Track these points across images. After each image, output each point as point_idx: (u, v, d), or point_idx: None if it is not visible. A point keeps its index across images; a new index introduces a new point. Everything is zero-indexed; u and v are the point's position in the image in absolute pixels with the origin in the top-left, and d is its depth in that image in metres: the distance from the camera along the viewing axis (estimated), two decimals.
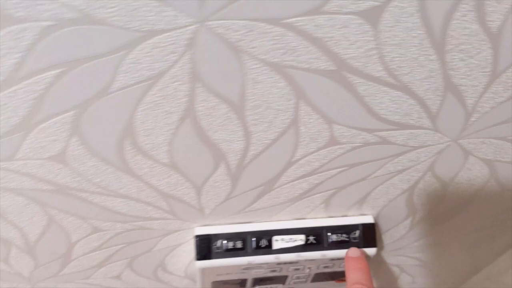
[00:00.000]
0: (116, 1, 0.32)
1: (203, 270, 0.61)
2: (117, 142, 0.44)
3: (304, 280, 0.69)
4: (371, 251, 0.62)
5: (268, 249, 0.60)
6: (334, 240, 0.61)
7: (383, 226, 0.65)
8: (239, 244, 0.60)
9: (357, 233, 0.61)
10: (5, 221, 0.53)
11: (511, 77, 0.41)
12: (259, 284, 0.68)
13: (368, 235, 0.62)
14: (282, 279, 0.68)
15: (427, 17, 0.35)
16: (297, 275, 0.67)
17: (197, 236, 0.59)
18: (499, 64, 0.40)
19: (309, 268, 0.65)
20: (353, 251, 0.60)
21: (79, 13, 0.32)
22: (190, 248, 0.65)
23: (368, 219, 0.62)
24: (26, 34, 0.33)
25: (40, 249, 0.60)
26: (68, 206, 0.53)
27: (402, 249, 0.73)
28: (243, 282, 0.67)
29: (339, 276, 0.69)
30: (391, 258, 0.76)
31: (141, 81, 0.38)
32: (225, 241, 0.60)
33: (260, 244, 0.60)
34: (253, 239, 0.60)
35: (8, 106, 0.39)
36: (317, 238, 0.61)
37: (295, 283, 0.69)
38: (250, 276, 0.65)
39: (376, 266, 0.79)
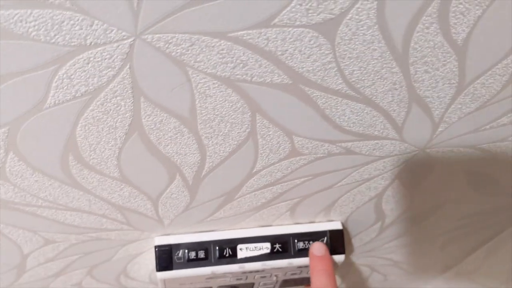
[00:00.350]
0: (36, 14, 0.28)
1: (165, 280, 0.59)
2: (60, 157, 0.41)
3: (271, 286, 0.67)
4: (339, 258, 0.60)
5: (232, 258, 0.58)
6: (301, 247, 0.59)
7: (352, 230, 0.63)
8: (201, 254, 0.57)
9: (325, 239, 0.59)
10: None
11: (478, 88, 0.39)
12: None
13: (336, 241, 0.59)
14: (248, 286, 0.66)
15: (387, 30, 0.32)
16: (264, 282, 0.65)
17: (157, 247, 0.56)
18: (466, 76, 0.37)
19: (276, 275, 0.62)
20: (318, 248, 0.57)
21: None
22: (152, 256, 0.62)
23: (336, 225, 0.59)
24: None
25: None
26: (14, 220, 0.49)
27: (372, 251, 0.72)
28: None
29: (308, 282, 0.67)
30: (362, 259, 0.75)
31: (78, 96, 0.35)
32: (186, 251, 0.57)
33: (224, 253, 0.58)
34: (216, 248, 0.57)
35: None
36: (283, 245, 0.59)
37: None
38: (215, 284, 0.63)
39: (347, 266, 0.77)
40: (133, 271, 0.66)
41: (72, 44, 0.31)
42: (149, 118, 0.38)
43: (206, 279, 0.60)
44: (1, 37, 0.30)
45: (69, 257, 0.59)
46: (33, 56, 0.31)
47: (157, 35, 0.31)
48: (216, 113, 0.38)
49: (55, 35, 0.30)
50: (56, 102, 0.35)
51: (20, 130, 0.38)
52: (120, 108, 0.36)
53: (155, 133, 0.40)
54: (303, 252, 0.59)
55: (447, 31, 0.33)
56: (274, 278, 0.63)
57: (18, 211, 0.48)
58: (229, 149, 0.43)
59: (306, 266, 0.60)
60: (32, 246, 0.55)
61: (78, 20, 0.29)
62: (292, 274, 0.63)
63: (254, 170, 0.47)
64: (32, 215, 0.49)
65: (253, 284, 0.65)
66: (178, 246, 0.57)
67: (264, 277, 0.62)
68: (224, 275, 0.59)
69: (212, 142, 0.42)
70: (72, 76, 0.33)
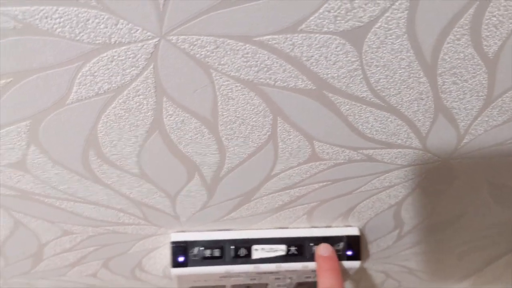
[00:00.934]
0: (61, 11, 0.28)
1: (179, 277, 0.59)
2: (80, 152, 0.41)
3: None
4: (355, 263, 0.59)
5: (247, 258, 0.58)
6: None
7: (369, 236, 0.63)
8: (216, 253, 0.57)
9: (341, 245, 0.58)
10: None
11: (507, 102, 0.38)
12: None
13: (352, 247, 0.59)
14: (262, 287, 0.65)
15: (416, 40, 0.32)
16: (278, 283, 0.64)
17: (173, 243, 0.56)
18: (495, 89, 0.36)
19: (290, 278, 0.62)
20: (324, 249, 0.57)
21: (21, 23, 0.29)
22: (167, 251, 0.62)
23: (353, 231, 0.59)
24: None
25: (9, 249, 0.57)
26: (34, 210, 0.50)
27: (389, 257, 0.71)
28: None
29: None
30: (377, 265, 0.74)
31: (100, 93, 0.35)
32: (202, 249, 0.57)
33: (239, 253, 0.57)
34: (231, 247, 0.57)
35: None
36: (299, 248, 0.58)
37: None
38: (228, 283, 0.62)
39: (361, 272, 0.76)
40: (148, 265, 0.67)
41: (97, 42, 0.30)
42: (170, 117, 0.38)
43: (220, 278, 0.60)
44: (26, 32, 0.30)
45: (86, 249, 0.60)
46: (57, 53, 0.31)
47: (182, 37, 0.30)
48: (238, 115, 0.38)
49: (80, 33, 0.30)
50: (79, 98, 0.35)
51: (42, 124, 0.38)
52: (142, 107, 0.36)
53: (176, 132, 0.40)
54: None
55: (478, 43, 0.32)
56: (288, 280, 0.63)
57: (37, 202, 0.48)
58: (248, 151, 0.43)
59: None
60: (50, 236, 0.56)
61: (103, 18, 0.29)
62: (307, 277, 0.62)
63: (273, 173, 0.47)
64: (51, 207, 0.49)
65: (267, 285, 0.65)
66: (193, 244, 0.57)
67: (279, 278, 0.62)
68: (238, 274, 0.59)
69: (232, 143, 0.42)
70: (96, 74, 0.33)
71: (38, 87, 0.34)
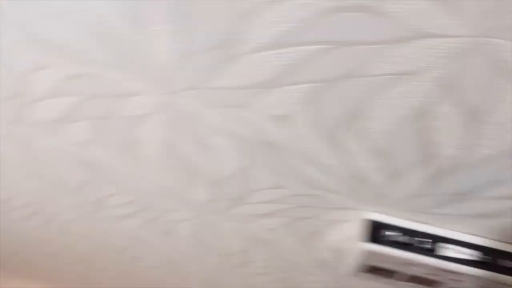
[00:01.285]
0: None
1: (369, 253, 0.62)
2: (340, 120, 0.46)
3: None
4: None
5: (434, 253, 0.60)
6: (509, 266, 0.59)
7: None
8: (407, 240, 0.60)
9: None
10: (208, 155, 0.57)
11: None
12: (411, 281, 0.68)
13: None
14: (435, 284, 0.67)
15: None
16: (453, 285, 0.66)
17: (370, 221, 0.60)
18: None
19: (468, 283, 0.63)
20: None
21: (362, 1, 0.33)
22: (353, 228, 0.66)
23: None
24: (304, 8, 0.35)
25: (221, 186, 0.64)
26: (270, 160, 0.55)
27: None
28: (395, 273, 0.67)
29: None
30: None
31: (394, 73, 0.39)
32: (395, 233, 0.60)
33: (428, 246, 0.60)
34: (423, 239, 0.59)
35: (259, 64, 0.42)
36: (489, 258, 0.59)
37: None
38: (407, 271, 0.65)
39: None
40: (326, 235, 0.70)
41: (415, 29, 0.34)
42: (441, 107, 0.41)
43: (402, 264, 0.62)
44: (362, 10, 0.34)
45: (284, 204, 0.65)
46: (377, 32, 0.36)
47: (494, 40, 0.33)
48: (509, 117, 0.40)
49: (407, 19, 0.34)
50: (374, 74, 0.39)
51: (327, 89, 0.43)
52: (421, 93, 0.40)
53: (436, 121, 0.43)
54: (508, 271, 0.59)
55: None
56: (465, 285, 0.64)
57: (275, 153, 0.54)
58: (490, 152, 0.45)
59: (505, 284, 0.60)
60: (265, 185, 0.61)
61: (431, 11, 0.32)
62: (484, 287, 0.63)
63: (504, 179, 0.48)
64: (282, 161, 0.55)
65: (441, 283, 0.66)
66: (389, 226, 0.60)
67: (456, 281, 0.63)
68: (421, 265, 0.61)
69: (482, 143, 0.44)
70: (400, 56, 0.37)
71: (342, 57, 0.38)
